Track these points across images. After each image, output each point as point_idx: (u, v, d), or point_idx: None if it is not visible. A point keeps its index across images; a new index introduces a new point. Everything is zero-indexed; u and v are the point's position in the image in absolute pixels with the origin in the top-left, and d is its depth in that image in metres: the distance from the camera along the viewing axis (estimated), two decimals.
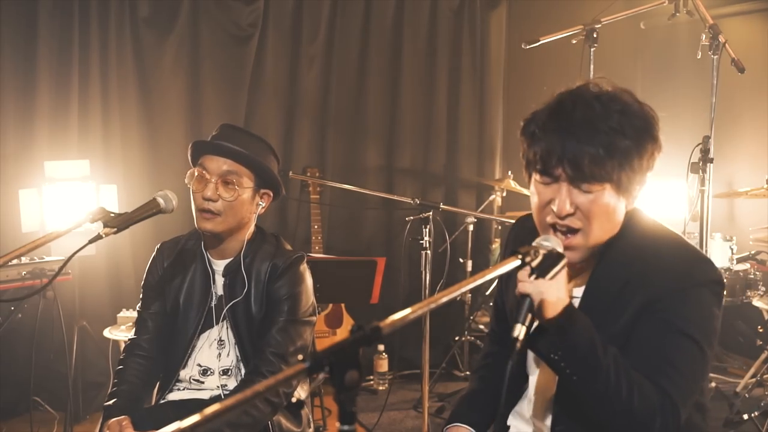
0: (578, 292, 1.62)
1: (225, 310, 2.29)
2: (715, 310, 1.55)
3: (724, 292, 1.60)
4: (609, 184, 1.50)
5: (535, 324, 1.46)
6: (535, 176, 1.56)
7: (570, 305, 1.46)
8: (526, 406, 1.74)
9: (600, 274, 1.59)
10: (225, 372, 2.31)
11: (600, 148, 1.47)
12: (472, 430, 1.79)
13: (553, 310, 1.44)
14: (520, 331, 1.34)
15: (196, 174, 2.22)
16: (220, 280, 2.32)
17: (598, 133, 1.47)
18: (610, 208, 1.52)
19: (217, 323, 2.31)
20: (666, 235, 1.62)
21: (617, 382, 1.44)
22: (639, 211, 1.64)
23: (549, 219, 1.54)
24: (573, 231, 1.54)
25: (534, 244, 1.48)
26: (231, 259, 2.31)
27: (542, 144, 1.51)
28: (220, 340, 2.32)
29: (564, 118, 1.50)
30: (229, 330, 2.30)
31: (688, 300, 1.51)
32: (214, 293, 2.32)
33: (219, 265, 2.32)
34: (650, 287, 1.52)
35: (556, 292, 1.44)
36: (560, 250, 1.47)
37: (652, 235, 1.61)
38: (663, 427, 1.44)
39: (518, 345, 1.33)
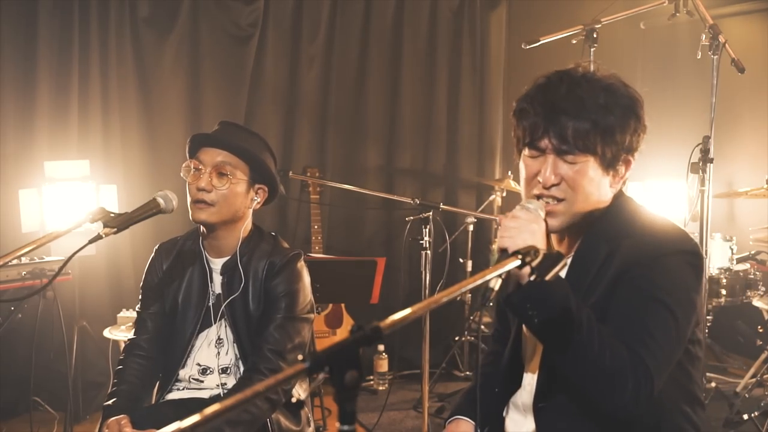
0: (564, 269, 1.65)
1: (222, 308, 2.29)
2: (689, 280, 1.57)
3: (702, 264, 1.62)
4: (593, 157, 1.57)
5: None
6: (524, 151, 1.63)
7: None
8: (519, 395, 1.76)
9: (584, 250, 1.64)
10: (224, 370, 2.32)
11: (585, 122, 1.54)
12: (473, 423, 1.83)
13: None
14: (496, 282, 1.37)
15: (192, 167, 2.22)
16: (218, 279, 2.33)
17: (584, 109, 1.55)
18: (594, 181, 1.59)
19: (216, 322, 2.32)
20: (650, 215, 1.67)
21: (589, 337, 1.45)
22: (629, 197, 1.70)
23: (535, 191, 1.61)
24: (558, 200, 1.60)
25: (517, 207, 1.56)
26: (228, 257, 2.31)
27: (530, 117, 1.59)
28: (219, 338, 2.32)
29: (551, 92, 1.58)
30: (228, 328, 2.31)
31: (661, 267, 1.53)
32: (212, 292, 2.32)
33: (217, 264, 2.33)
34: (625, 256, 1.55)
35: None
36: (542, 213, 1.54)
37: (637, 214, 1.66)
38: (635, 389, 1.44)
39: (492, 295, 1.36)
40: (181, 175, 2.25)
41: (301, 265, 2.34)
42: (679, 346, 1.55)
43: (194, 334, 2.31)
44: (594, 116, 1.54)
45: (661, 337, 1.49)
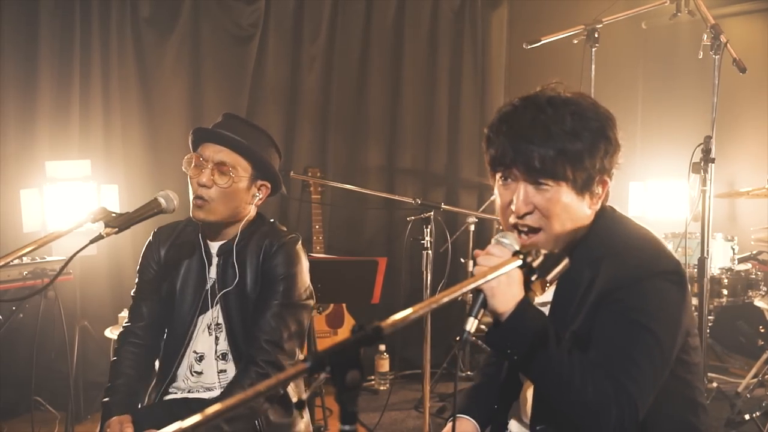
0: (550, 294, 1.64)
1: (219, 295, 2.27)
2: (672, 298, 1.54)
3: (686, 281, 1.59)
4: (564, 183, 1.54)
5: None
6: (496, 177, 1.62)
7: (523, 300, 1.47)
8: (519, 407, 1.76)
9: (568, 275, 1.59)
10: (223, 356, 2.29)
11: (551, 149, 1.52)
12: (474, 421, 1.83)
13: (504, 306, 1.44)
14: (472, 324, 1.37)
15: (193, 160, 2.21)
16: (215, 261, 2.30)
17: (550, 136, 1.52)
18: (569, 206, 1.56)
19: (212, 306, 2.29)
20: (633, 232, 1.64)
21: (570, 374, 1.45)
22: (610, 210, 1.67)
23: (511, 219, 1.59)
24: (534, 230, 1.57)
25: (492, 241, 1.52)
26: (226, 240, 2.30)
27: (495, 147, 1.58)
28: (217, 323, 2.29)
29: (515, 121, 1.56)
30: (221, 313, 2.28)
31: (643, 291, 1.51)
32: (209, 277, 2.30)
33: (214, 247, 2.31)
34: (607, 280, 1.53)
35: (508, 288, 1.44)
36: (517, 247, 1.49)
37: (621, 233, 1.62)
38: (619, 418, 1.44)
39: (469, 337, 1.36)
40: (183, 168, 2.24)
41: (300, 248, 2.31)
42: (664, 368, 1.53)
43: (194, 319, 2.28)
44: (560, 143, 1.52)
45: (644, 362, 1.48)
